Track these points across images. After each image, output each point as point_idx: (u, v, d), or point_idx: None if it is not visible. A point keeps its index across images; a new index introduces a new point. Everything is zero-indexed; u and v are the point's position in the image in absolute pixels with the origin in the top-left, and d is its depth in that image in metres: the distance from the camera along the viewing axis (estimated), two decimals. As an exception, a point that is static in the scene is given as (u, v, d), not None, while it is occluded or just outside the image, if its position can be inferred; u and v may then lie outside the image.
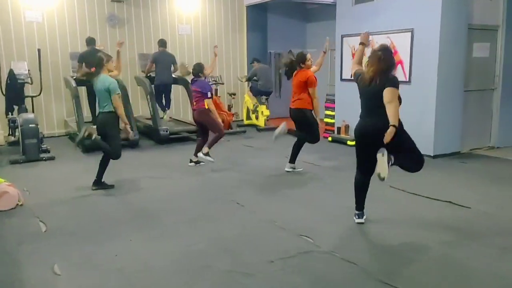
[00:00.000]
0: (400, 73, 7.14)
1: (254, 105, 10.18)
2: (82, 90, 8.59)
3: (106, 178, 5.48)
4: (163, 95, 9.15)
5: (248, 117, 10.52)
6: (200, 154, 6.32)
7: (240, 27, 11.25)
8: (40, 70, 8.33)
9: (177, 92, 10.02)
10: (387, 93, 3.76)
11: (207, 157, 6.28)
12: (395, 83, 3.83)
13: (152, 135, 8.64)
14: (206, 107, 6.28)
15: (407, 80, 7.08)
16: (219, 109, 9.88)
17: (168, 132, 8.30)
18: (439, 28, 6.54)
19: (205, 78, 6.59)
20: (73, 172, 6.34)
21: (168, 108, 9.32)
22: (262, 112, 10.02)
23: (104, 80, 5.13)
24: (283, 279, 3.19)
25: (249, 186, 5.56)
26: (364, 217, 4.22)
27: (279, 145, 8.23)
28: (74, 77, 8.29)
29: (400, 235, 3.94)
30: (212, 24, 10.86)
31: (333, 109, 8.74)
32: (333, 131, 8.65)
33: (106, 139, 5.26)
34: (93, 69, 5.25)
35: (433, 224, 4.18)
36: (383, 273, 3.21)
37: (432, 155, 6.80)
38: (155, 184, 5.69)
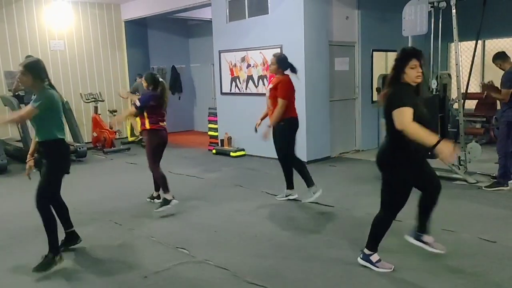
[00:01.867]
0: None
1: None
2: None
3: None
4: None
5: (133, 134, 10.30)
6: (161, 209, 5.02)
7: (119, 43, 11.02)
8: None
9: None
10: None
11: (172, 203, 5.05)
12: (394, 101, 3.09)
13: (24, 158, 8.01)
14: (148, 127, 5.10)
15: (280, 92, 7.59)
16: (100, 127, 9.57)
17: (42, 154, 7.77)
18: (303, 44, 7.15)
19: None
20: None
21: None
22: (146, 128, 9.89)
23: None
24: (156, 292, 3.24)
25: (128, 204, 5.48)
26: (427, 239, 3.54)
27: (164, 160, 8.21)
28: None
29: (270, 237, 4.22)
30: (88, 39, 10.48)
31: (215, 122, 8.98)
32: (217, 143, 8.88)
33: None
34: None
35: (300, 224, 4.55)
36: (251, 274, 3.42)
37: (305, 160, 7.35)
38: (25, 209, 5.31)
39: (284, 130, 5.11)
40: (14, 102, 8.01)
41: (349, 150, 8.24)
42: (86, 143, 8.75)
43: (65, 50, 10.11)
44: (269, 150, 7.83)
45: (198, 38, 12.29)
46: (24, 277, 3.52)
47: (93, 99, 9.66)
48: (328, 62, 7.60)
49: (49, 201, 3.73)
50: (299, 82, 7.23)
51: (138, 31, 11.25)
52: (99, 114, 9.71)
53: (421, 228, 3.51)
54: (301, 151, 7.31)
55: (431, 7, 5.99)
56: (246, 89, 8.29)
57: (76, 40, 10.29)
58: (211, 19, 9.19)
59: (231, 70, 8.54)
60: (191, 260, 3.74)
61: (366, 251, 3.44)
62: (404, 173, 3.19)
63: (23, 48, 9.41)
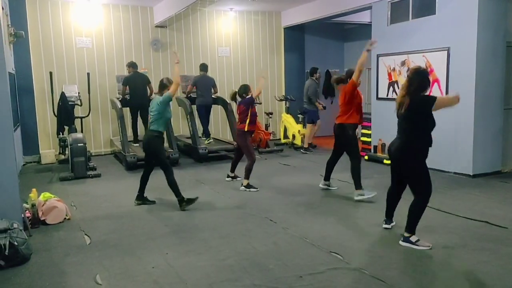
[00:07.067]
0: (436, 91, 7.10)
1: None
2: (127, 111, 9.07)
3: (149, 194, 5.78)
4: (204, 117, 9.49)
5: (285, 136, 10.66)
6: (241, 188, 6.38)
7: (277, 48, 11.53)
8: (89, 93, 8.90)
9: (216, 112, 10.36)
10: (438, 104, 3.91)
11: (250, 189, 6.34)
12: (425, 103, 3.93)
13: (192, 153, 8.95)
14: (246, 129, 6.40)
15: (444, 98, 7.02)
16: (257, 128, 10.11)
17: (207, 150, 8.57)
18: (475, 46, 6.49)
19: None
20: (117, 189, 6.69)
21: (207, 127, 9.61)
22: (299, 130, 10.14)
23: (157, 99, 5.49)
24: (310, 294, 3.27)
25: (282, 203, 5.67)
26: (392, 223, 4.56)
27: (315, 163, 8.33)
28: (120, 99, 8.78)
29: (433, 254, 3.92)
30: (251, 45, 11.20)
31: (369, 128, 8.74)
32: (370, 149, 8.63)
33: (154, 158, 5.56)
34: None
35: (467, 244, 4.12)
36: (411, 292, 3.23)
37: (471, 174, 6.67)
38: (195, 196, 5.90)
39: None
40: (186, 103, 8.98)
41: (526, 165, 7.20)
42: (244, 142, 9.31)
43: (230, 56, 10.98)
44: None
45: (353, 42, 12.13)
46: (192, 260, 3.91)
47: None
48: (504, 65, 6.76)
49: None
50: (467, 88, 6.63)
51: (296, 36, 11.60)
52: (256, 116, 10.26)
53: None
54: (467, 162, 6.69)
55: None
56: (404, 94, 7.87)
57: (240, 46, 11.09)
58: (369, 22, 8.98)
59: (389, 75, 8.21)
60: (345, 267, 3.70)
61: (406, 234, 4.11)
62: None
63: (196, 55, 10.51)
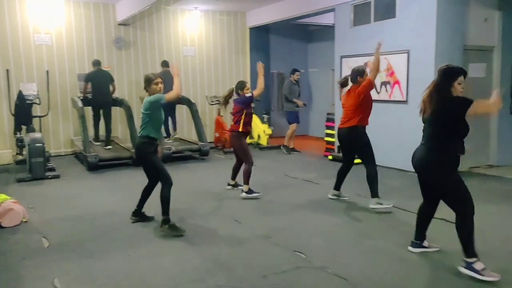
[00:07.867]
0: (397, 93, 7.31)
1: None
2: (88, 110, 8.82)
3: (109, 200, 5.64)
4: (169, 115, 9.39)
5: (251, 136, 10.67)
6: (242, 195, 5.92)
7: (243, 48, 11.53)
8: (48, 91, 8.60)
9: (181, 112, 10.24)
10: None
11: (252, 194, 5.91)
12: (456, 106, 3.45)
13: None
14: (240, 130, 5.94)
15: (404, 99, 7.24)
16: (222, 129, 10.09)
17: (171, 151, 8.46)
18: (434, 49, 6.72)
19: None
20: (77, 190, 6.50)
21: (175, 126, 9.58)
22: (264, 130, 10.19)
23: (145, 101, 4.61)
24: (274, 293, 3.29)
25: (248, 203, 5.68)
26: (420, 249, 3.97)
27: (280, 163, 8.39)
28: (81, 98, 8.54)
29: (391, 251, 4.03)
30: (216, 45, 11.15)
31: (333, 128, 8.87)
32: (334, 149, 8.77)
33: (150, 168, 4.79)
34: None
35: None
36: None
37: (430, 173, 6.89)
38: (154, 202, 5.80)
39: None
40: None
41: (481, 164, 7.51)
42: (208, 142, 9.27)
43: (195, 55, 10.90)
44: (389, 159, 7.55)
45: (317, 43, 12.31)
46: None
47: (217, 102, 10.23)
48: (461, 68, 7.03)
49: None
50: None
51: (261, 37, 11.66)
52: (222, 116, 10.25)
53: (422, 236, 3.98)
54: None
55: None
56: (367, 95, 8.05)
57: (205, 46, 11.02)
58: (333, 24, 9.13)
59: (353, 76, 8.36)
60: (308, 266, 3.74)
61: (468, 259, 3.45)
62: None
63: (160, 54, 10.36)
